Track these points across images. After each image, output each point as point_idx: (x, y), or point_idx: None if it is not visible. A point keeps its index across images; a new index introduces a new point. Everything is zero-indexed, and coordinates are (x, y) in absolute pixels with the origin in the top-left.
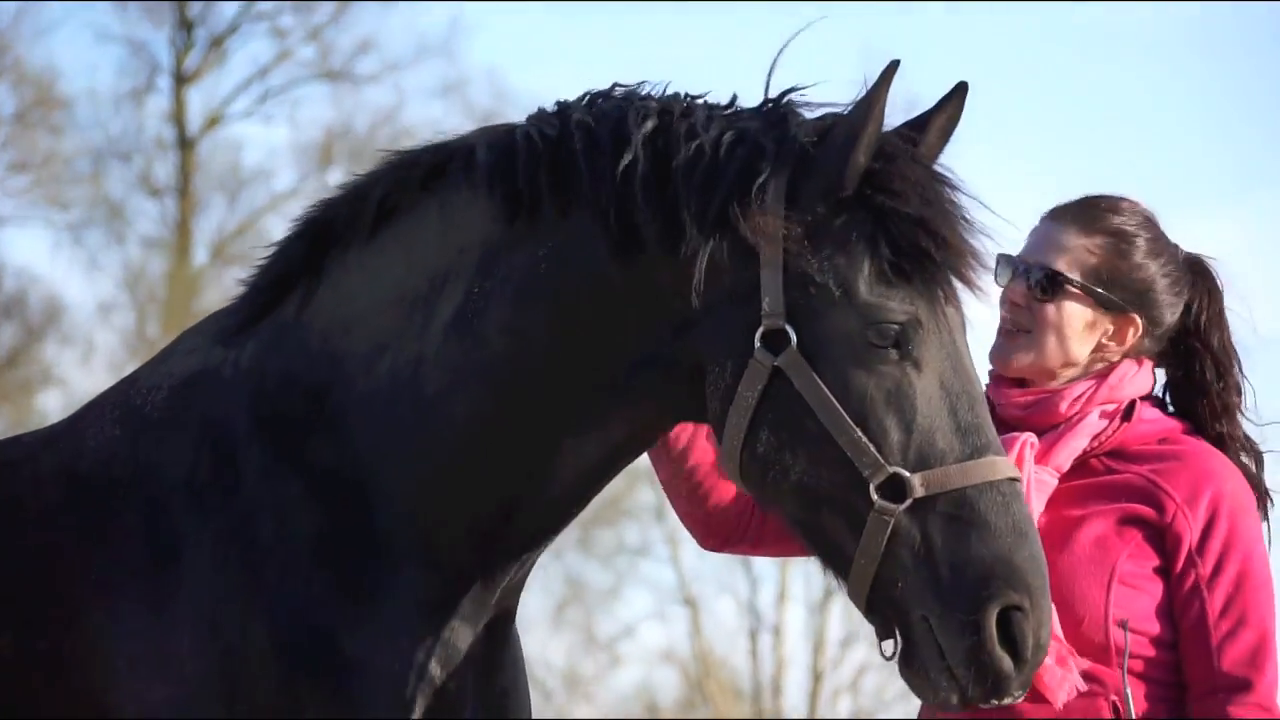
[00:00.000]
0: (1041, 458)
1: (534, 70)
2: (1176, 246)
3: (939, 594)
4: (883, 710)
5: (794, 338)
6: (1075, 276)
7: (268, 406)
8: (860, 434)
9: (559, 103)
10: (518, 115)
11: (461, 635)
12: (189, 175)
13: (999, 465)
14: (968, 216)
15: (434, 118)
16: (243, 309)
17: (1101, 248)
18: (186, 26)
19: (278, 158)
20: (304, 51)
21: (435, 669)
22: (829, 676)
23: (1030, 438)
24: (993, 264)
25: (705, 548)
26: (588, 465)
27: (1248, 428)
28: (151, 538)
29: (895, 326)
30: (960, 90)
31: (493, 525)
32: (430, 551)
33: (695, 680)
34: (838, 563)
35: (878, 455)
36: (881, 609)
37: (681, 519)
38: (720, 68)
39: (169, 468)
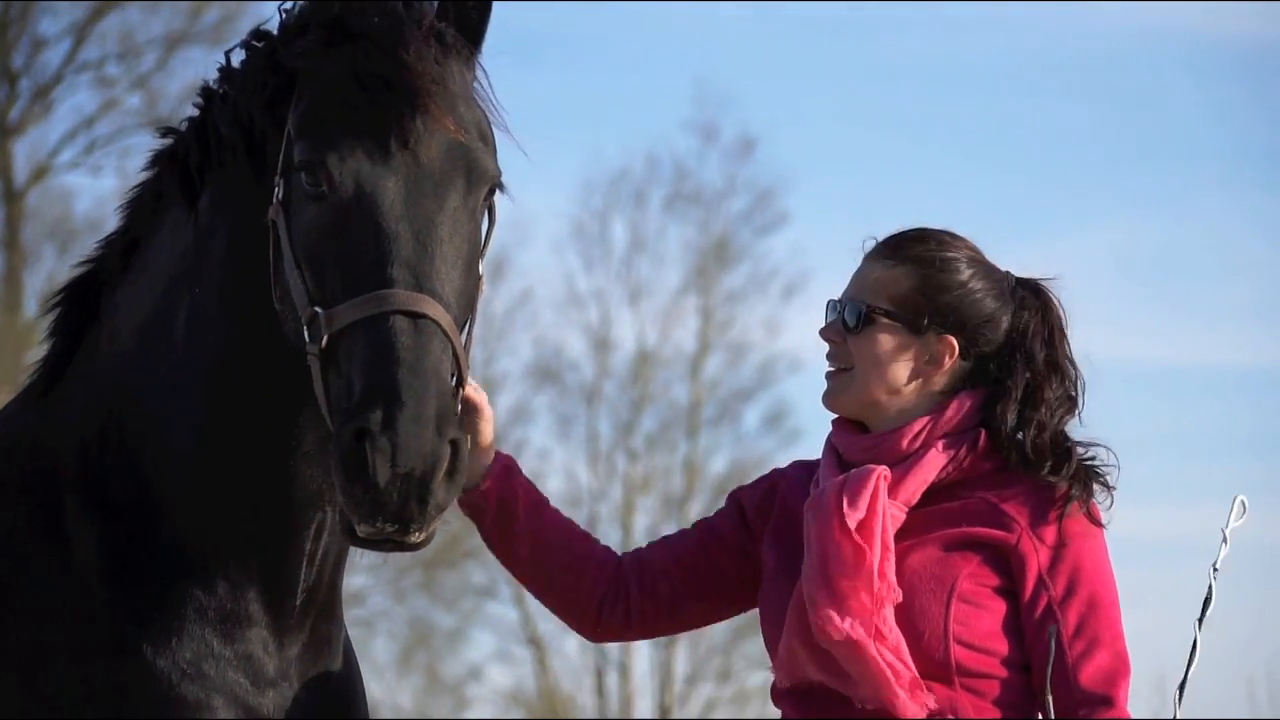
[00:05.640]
0: (890, 492)
1: None
2: (1006, 273)
3: (331, 428)
4: None
5: (279, 192)
6: (883, 305)
7: (77, 456)
8: (299, 280)
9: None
10: None
11: (262, 643)
12: (16, 228)
13: (380, 299)
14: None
15: None
16: (43, 372)
17: (909, 275)
18: (10, 78)
19: (107, 207)
20: (130, 100)
21: (236, 678)
22: (676, 713)
23: (884, 470)
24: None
25: (591, 639)
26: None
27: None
28: None
29: (313, 169)
30: None
31: (266, 518)
32: (214, 560)
33: None
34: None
35: (306, 299)
36: None
37: (554, 612)
38: None
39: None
